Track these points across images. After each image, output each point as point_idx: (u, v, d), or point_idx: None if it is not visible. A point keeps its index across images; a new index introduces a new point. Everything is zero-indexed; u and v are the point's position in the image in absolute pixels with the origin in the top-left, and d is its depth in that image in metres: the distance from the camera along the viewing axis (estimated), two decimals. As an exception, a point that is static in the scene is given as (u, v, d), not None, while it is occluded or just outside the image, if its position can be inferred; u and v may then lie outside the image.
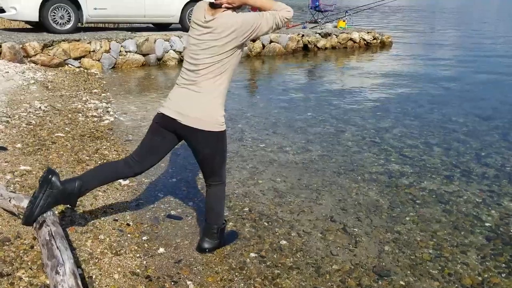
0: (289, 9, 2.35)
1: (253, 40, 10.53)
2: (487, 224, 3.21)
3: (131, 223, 2.92)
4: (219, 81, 2.33)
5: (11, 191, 2.87)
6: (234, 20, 2.27)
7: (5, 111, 4.92)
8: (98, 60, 8.21)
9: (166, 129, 2.44)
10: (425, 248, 2.86)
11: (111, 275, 2.36)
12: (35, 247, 2.49)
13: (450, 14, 33.63)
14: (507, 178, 4.03)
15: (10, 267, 2.30)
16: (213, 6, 2.31)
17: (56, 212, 2.81)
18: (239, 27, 2.25)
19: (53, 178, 2.37)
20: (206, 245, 2.65)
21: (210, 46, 2.28)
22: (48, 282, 2.15)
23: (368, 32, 13.23)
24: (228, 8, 2.30)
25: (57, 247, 2.15)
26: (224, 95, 2.40)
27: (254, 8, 2.43)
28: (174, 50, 9.18)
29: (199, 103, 2.33)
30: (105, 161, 3.89)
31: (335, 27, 13.24)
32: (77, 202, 2.95)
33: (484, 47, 13.87)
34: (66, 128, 4.64)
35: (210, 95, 2.33)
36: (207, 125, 2.34)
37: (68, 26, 8.52)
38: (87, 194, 3.16)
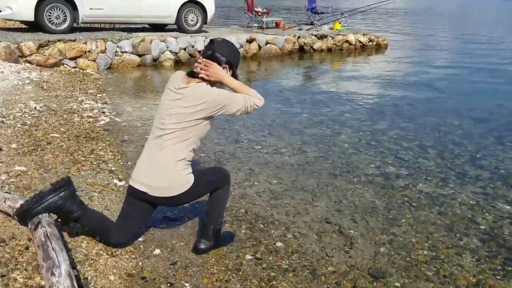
0: (260, 97, 2.51)
1: (249, 42, 10.53)
2: (481, 227, 3.22)
3: (126, 224, 2.91)
4: (182, 146, 2.39)
5: (6, 192, 2.86)
6: (207, 93, 2.34)
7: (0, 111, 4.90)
8: (94, 61, 8.18)
9: (139, 200, 2.49)
10: (420, 250, 2.87)
11: (106, 276, 2.35)
12: (30, 248, 2.47)
13: (447, 17, 33.81)
14: (501, 181, 4.05)
15: (5, 268, 2.28)
16: (191, 75, 2.41)
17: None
18: (210, 101, 2.33)
19: (66, 191, 2.42)
20: (202, 246, 2.66)
21: (177, 112, 2.35)
22: (43, 283, 2.14)
23: (364, 34, 13.26)
24: (204, 80, 2.38)
25: (53, 248, 2.14)
26: (189, 159, 2.45)
27: None
28: (170, 51, 9.16)
29: (165, 171, 2.38)
30: (100, 162, 3.88)
31: (331, 29, 13.27)
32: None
33: (480, 51, 13.95)
34: (62, 129, 4.62)
35: (174, 159, 2.38)
36: (176, 190, 2.40)
37: (64, 26, 8.48)
38: (81, 195, 3.16)
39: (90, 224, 2.56)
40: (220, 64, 2.44)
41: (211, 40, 2.52)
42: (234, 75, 2.54)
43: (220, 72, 2.43)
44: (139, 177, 2.45)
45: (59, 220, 2.57)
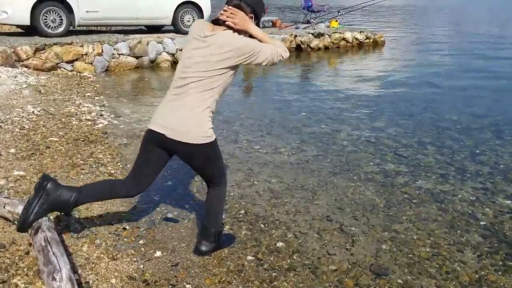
0: (286, 49, 2.42)
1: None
2: (482, 222, 3.22)
3: (127, 227, 2.90)
4: (207, 95, 2.33)
5: (5, 197, 2.85)
6: (234, 41, 2.28)
7: (-3, 116, 4.88)
8: (91, 63, 8.17)
9: (156, 145, 2.43)
10: (422, 247, 2.87)
11: (108, 280, 2.34)
12: (30, 253, 2.47)
13: (444, 13, 33.82)
14: (501, 176, 4.05)
15: (6, 274, 2.28)
16: (215, 22, 2.35)
17: (51, 217, 2.79)
18: (236, 49, 2.26)
19: (48, 185, 2.36)
20: (204, 247, 2.65)
21: (203, 60, 2.29)
22: (44, 288, 2.14)
23: (360, 32, 13.26)
24: (229, 28, 2.32)
25: (53, 253, 2.13)
26: (213, 109, 2.40)
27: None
28: (167, 52, 9.15)
29: (186, 116, 2.32)
30: (100, 165, 3.87)
31: (328, 27, 13.26)
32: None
33: (477, 46, 13.96)
34: (60, 132, 4.61)
35: (197, 109, 2.32)
36: (194, 138, 2.33)
37: (60, 29, 8.46)
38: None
39: (94, 198, 2.53)
40: (246, 14, 2.36)
41: None
42: (257, 26, 2.45)
43: (247, 21, 2.35)
44: (159, 120, 2.38)
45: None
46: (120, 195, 2.56)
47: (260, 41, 2.38)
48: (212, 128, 2.40)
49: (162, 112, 2.40)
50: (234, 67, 2.34)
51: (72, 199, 2.39)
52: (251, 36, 2.39)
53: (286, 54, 2.43)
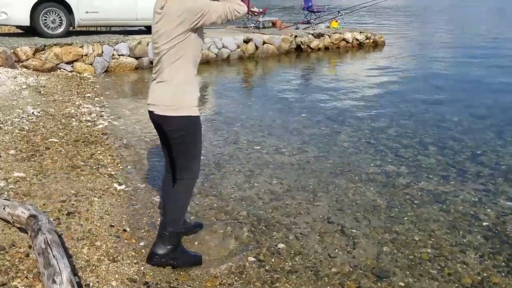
0: (241, 3, 2.39)
1: (246, 42, 10.50)
2: (484, 223, 3.21)
3: (127, 229, 2.89)
4: (178, 66, 2.34)
5: (5, 199, 2.84)
6: (183, 4, 2.28)
7: (-3, 117, 4.87)
8: (91, 64, 8.15)
9: (154, 125, 2.52)
10: (423, 248, 2.86)
11: (108, 283, 2.33)
12: (30, 255, 2.45)
13: (444, 13, 33.83)
14: (503, 177, 4.04)
15: (6, 276, 2.26)
16: None
17: (51, 219, 2.77)
18: (186, 11, 2.26)
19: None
20: (159, 250, 2.50)
21: (164, 31, 2.31)
22: (44, 291, 2.12)
23: (360, 32, 13.25)
24: None
25: (54, 256, 2.12)
26: (189, 80, 2.38)
27: None
28: (167, 53, 9.12)
29: (164, 91, 2.37)
30: (100, 166, 3.85)
31: (328, 27, 13.25)
32: (74, 209, 2.95)
33: (477, 46, 13.95)
34: (60, 133, 4.60)
35: (172, 82, 2.35)
36: (173, 110, 2.36)
37: (60, 30, 8.45)
38: (81, 200, 3.16)
39: (178, 211, 2.60)
40: None
41: None
42: None
43: None
44: (149, 99, 2.46)
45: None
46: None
47: None
48: (192, 100, 2.39)
49: (149, 92, 2.48)
50: (192, 30, 2.32)
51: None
52: None
53: (242, 8, 2.38)
